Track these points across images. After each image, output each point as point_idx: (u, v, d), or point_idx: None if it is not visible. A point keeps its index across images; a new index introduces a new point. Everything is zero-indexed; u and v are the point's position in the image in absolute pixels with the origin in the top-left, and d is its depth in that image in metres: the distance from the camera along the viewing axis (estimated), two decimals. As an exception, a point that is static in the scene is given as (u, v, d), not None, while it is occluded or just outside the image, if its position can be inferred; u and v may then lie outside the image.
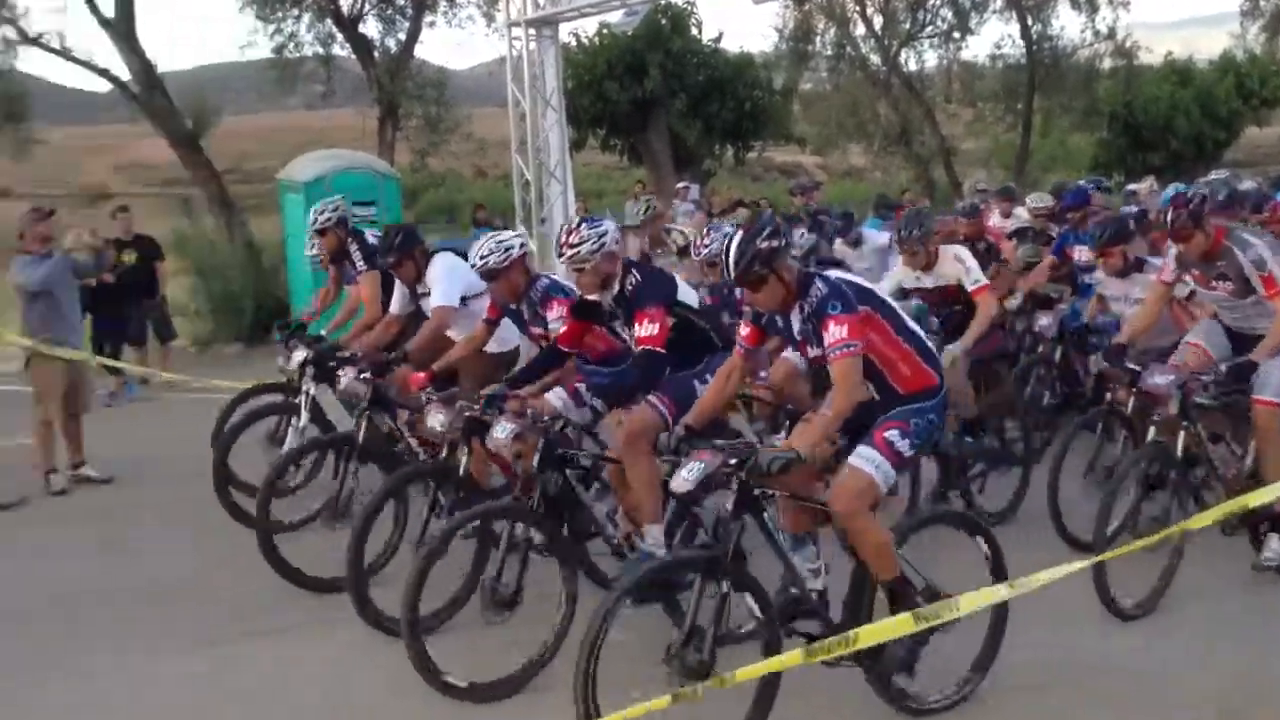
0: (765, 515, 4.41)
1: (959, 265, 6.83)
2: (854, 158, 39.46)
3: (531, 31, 17.77)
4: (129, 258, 12.68)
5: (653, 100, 30.61)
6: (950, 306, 7.06)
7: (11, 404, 9.68)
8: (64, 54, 20.68)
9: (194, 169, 20.53)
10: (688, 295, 5.62)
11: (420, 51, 26.72)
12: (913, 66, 33.25)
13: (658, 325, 5.27)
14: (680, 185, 19.54)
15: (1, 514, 8.08)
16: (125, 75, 20.55)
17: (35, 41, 20.64)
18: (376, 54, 24.30)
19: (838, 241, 11.19)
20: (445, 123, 25.25)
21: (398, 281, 7.13)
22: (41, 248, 8.52)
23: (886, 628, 4.15)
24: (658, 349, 5.27)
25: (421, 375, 6.10)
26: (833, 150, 37.49)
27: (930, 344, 4.69)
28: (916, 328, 4.64)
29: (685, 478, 4.12)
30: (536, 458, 5.16)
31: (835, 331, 4.28)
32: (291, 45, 24.18)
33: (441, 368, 6.25)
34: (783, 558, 4.48)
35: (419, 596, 4.75)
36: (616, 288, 5.46)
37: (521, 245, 6.14)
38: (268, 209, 20.14)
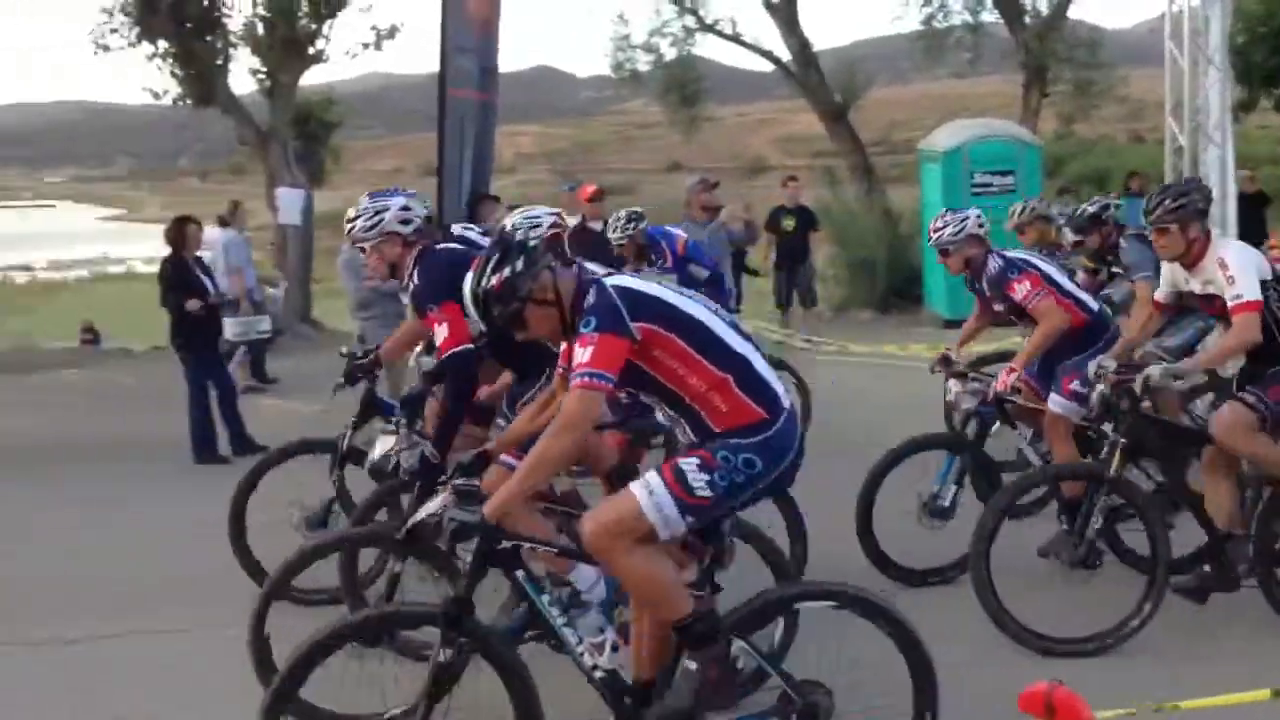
0: (519, 573, 3.67)
1: (1221, 271, 5.04)
2: None
3: (1198, -18, 16.36)
4: (789, 224, 13.75)
5: (1350, 50, 26.69)
6: (1226, 321, 5.27)
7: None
8: (734, 38, 22.70)
9: (840, 141, 21.58)
10: None
11: (1074, 12, 25.56)
12: None
13: (447, 324, 4.63)
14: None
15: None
16: (786, 55, 22.11)
17: (711, 28, 22.86)
18: (1027, 18, 23.76)
19: None
20: (1097, 86, 24.07)
21: None
22: (703, 216, 9.56)
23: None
24: (461, 347, 4.65)
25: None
26: None
27: (768, 373, 3.65)
28: (747, 349, 3.65)
29: (415, 516, 3.66)
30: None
31: (579, 354, 3.46)
32: (940, 15, 24.44)
33: (489, 397, 5.30)
34: (551, 625, 3.69)
35: (268, 607, 4.42)
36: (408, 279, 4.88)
37: (552, 225, 5.66)
38: (912, 179, 20.65)
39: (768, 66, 23.42)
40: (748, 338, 3.73)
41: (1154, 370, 4.99)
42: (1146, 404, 5.22)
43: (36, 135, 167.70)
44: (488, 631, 3.64)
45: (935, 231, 6.28)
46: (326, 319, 17.62)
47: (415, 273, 4.87)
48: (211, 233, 11.84)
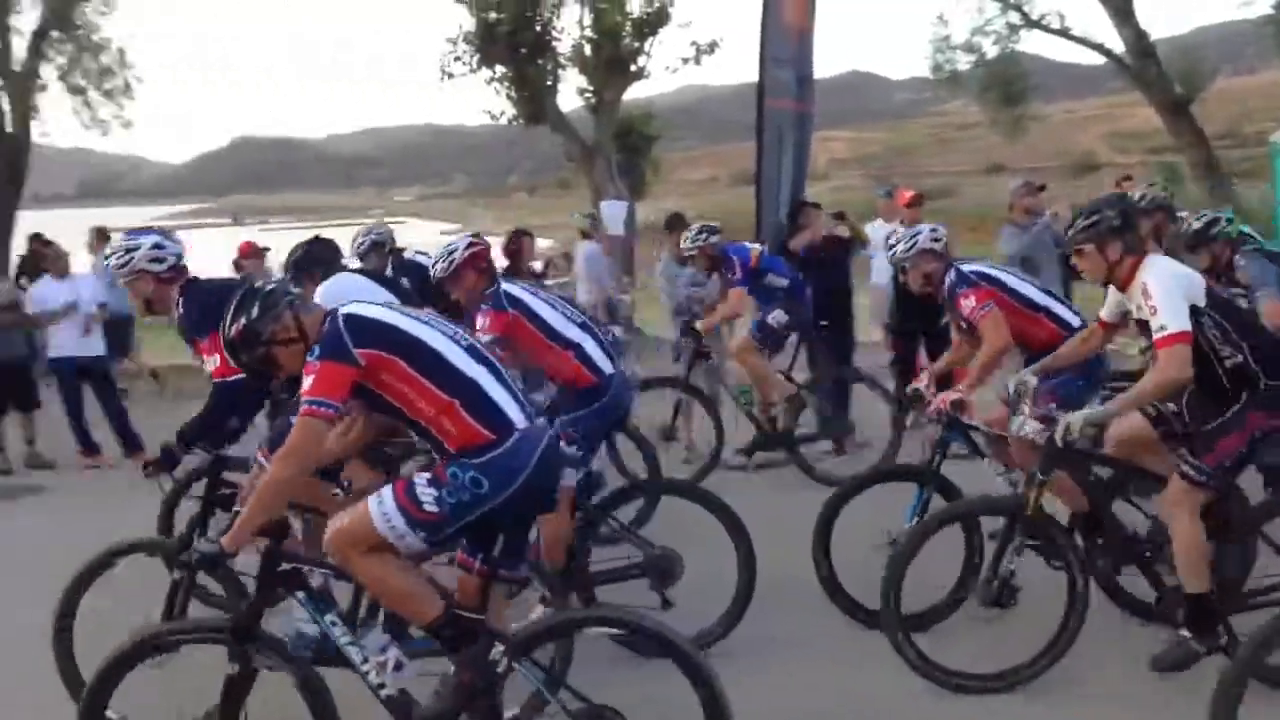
0: (301, 593, 3.72)
1: (1144, 300, 4.47)
2: None
3: None
4: None
5: None
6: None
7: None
8: (1062, 33, 21.76)
9: (1180, 135, 20.28)
10: None
11: None
12: None
13: (217, 355, 4.63)
14: None
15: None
16: (1119, 47, 20.98)
17: (1037, 24, 22.02)
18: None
19: None
20: None
21: None
22: (1026, 219, 9.26)
23: None
24: (226, 379, 4.77)
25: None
26: None
27: (501, 396, 3.67)
28: (480, 373, 3.69)
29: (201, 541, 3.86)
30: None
31: (304, 383, 3.55)
32: (1297, -5, 22.45)
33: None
34: (336, 643, 3.71)
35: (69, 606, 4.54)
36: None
37: (468, 246, 5.65)
38: (1265, 174, 19.13)
39: (1099, 60, 22.32)
40: (488, 362, 3.76)
41: (1074, 418, 4.57)
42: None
43: (388, 157, 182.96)
44: (277, 644, 3.75)
45: (889, 249, 6.26)
46: (646, 325, 18.27)
47: (181, 304, 5.09)
48: (578, 245, 12.41)
